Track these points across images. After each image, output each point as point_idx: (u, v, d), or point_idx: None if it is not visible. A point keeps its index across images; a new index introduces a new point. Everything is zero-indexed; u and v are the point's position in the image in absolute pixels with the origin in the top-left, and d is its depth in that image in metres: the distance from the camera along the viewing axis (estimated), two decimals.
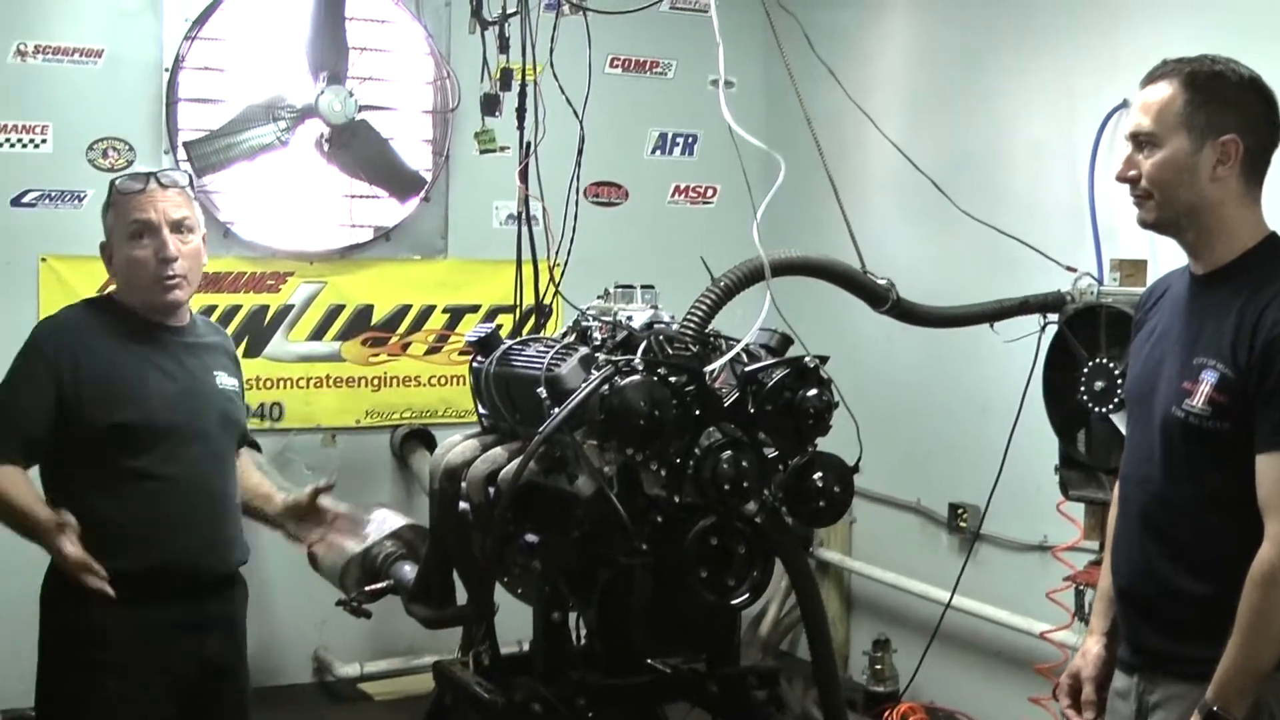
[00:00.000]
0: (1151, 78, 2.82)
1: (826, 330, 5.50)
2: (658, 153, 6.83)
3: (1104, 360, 3.78)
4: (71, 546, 3.23)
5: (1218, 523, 2.70)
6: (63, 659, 3.48)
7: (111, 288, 3.72)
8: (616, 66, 6.65)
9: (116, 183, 3.61)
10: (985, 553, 5.48)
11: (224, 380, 3.70)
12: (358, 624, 5.68)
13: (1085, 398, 3.82)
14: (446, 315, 6.42)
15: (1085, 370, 3.84)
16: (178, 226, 3.55)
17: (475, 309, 6.41)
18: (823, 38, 4.65)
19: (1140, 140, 2.80)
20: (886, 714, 5.50)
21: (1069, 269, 4.09)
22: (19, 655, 3.86)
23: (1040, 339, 4.01)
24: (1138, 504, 2.89)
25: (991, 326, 3.96)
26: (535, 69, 4.38)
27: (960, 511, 5.61)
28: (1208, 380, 2.69)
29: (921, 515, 5.98)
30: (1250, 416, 2.63)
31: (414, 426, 6.33)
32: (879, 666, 5.83)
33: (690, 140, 6.79)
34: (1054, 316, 4.01)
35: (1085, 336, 3.91)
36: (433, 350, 6.41)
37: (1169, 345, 2.85)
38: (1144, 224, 2.86)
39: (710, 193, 6.82)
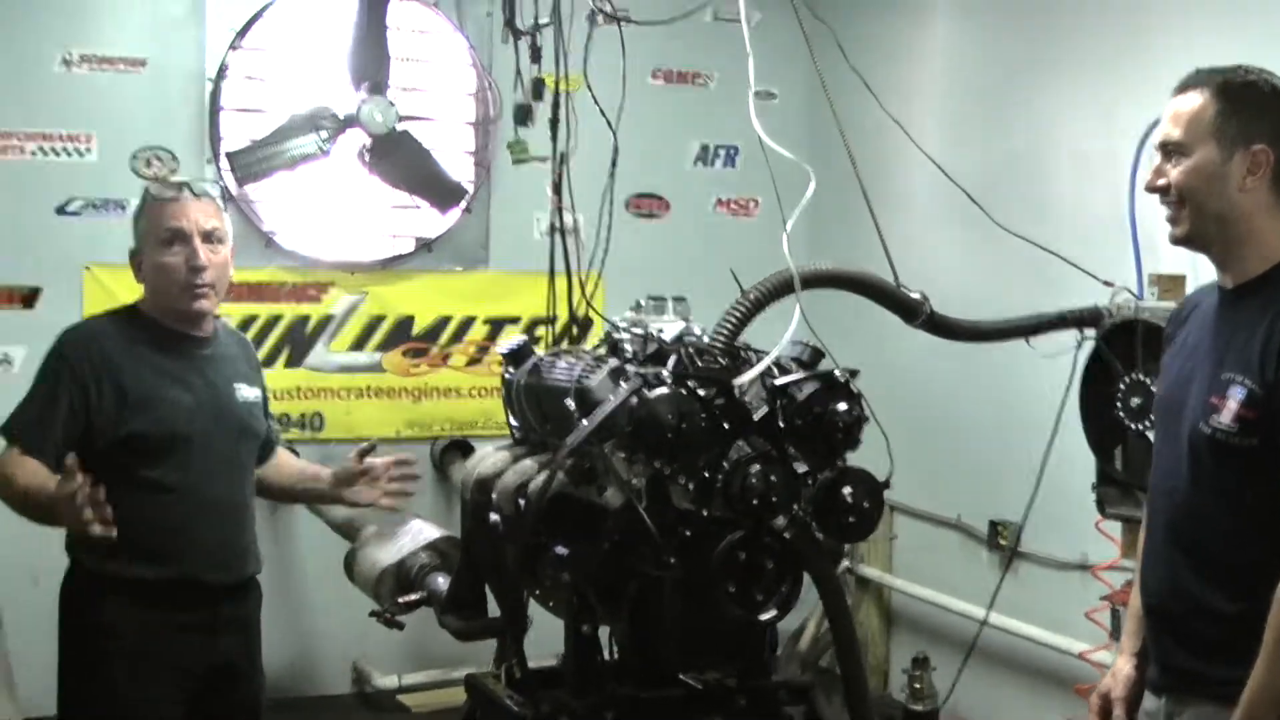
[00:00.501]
0: (1183, 87, 2.81)
1: (863, 344, 5.48)
2: (699, 164, 6.83)
3: (1141, 376, 3.74)
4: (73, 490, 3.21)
5: (1247, 538, 2.66)
6: (77, 658, 3.55)
7: (136, 297, 3.74)
8: (659, 78, 6.66)
9: (149, 189, 3.67)
10: (1025, 570, 5.44)
11: (244, 392, 3.74)
12: (396, 635, 5.70)
13: (1122, 414, 3.79)
14: (487, 327, 6.43)
15: (1122, 386, 3.80)
16: (209, 236, 3.59)
17: (516, 320, 6.41)
18: (862, 50, 4.64)
19: (1169, 149, 2.79)
20: None
21: (1106, 283, 4.05)
22: (51, 664, 3.90)
23: (1077, 354, 3.97)
24: (1165, 517, 2.86)
25: (1028, 341, 3.92)
26: (567, 82, 4.37)
27: (1000, 528, 5.57)
28: (1235, 396, 2.67)
29: (962, 532, 5.94)
30: (1278, 432, 2.61)
31: (454, 438, 6.33)
32: (918, 685, 5.78)
33: (732, 152, 6.79)
34: (1091, 332, 3.97)
35: (1122, 352, 3.87)
36: (473, 362, 6.42)
37: (1198, 360, 2.82)
38: (1175, 239, 2.85)
39: (752, 205, 6.81)
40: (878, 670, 6.50)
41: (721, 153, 6.76)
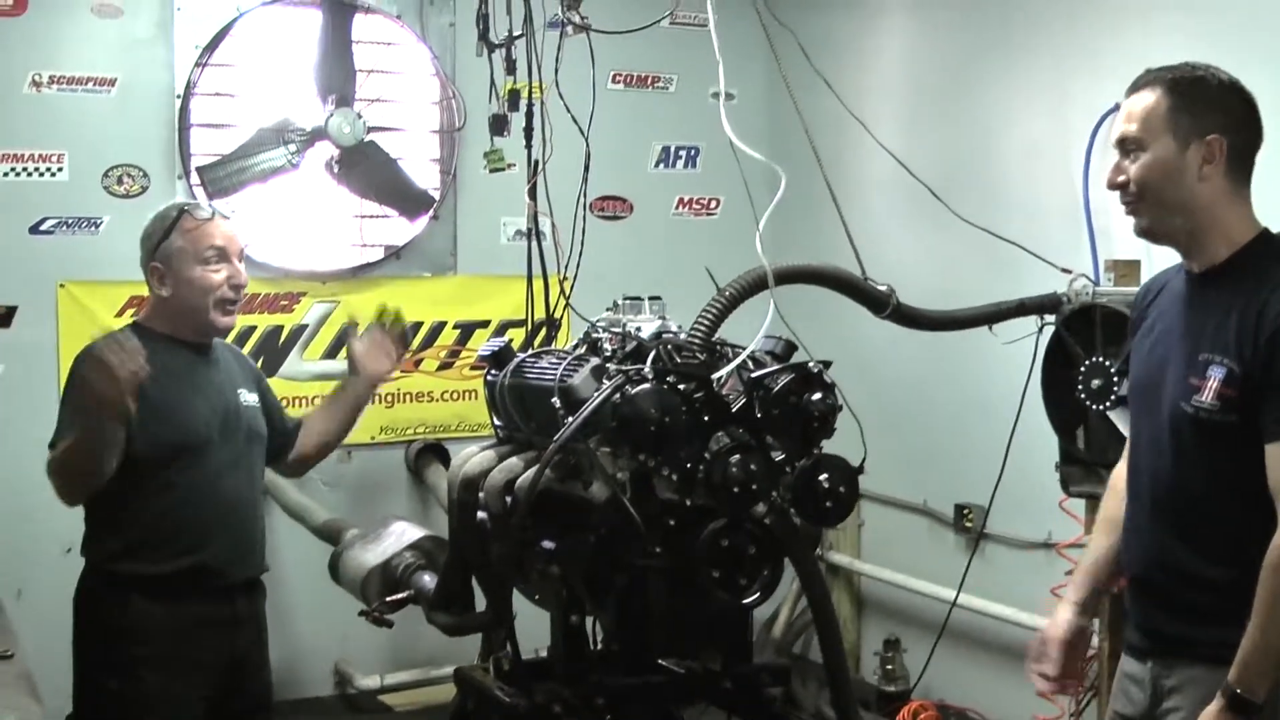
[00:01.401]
0: (1135, 86, 2.93)
1: (831, 336, 5.58)
2: (661, 166, 6.93)
3: (1100, 359, 3.88)
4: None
5: (1232, 510, 2.79)
6: (101, 657, 3.66)
7: (113, 311, 3.83)
8: (619, 82, 6.75)
9: (187, 208, 3.83)
10: (992, 551, 5.58)
11: (245, 397, 3.90)
12: (378, 636, 5.79)
13: (1083, 395, 3.93)
14: (457, 331, 6.49)
15: (1083, 369, 3.94)
16: (240, 256, 3.87)
17: (485, 324, 6.49)
18: (820, 48, 4.75)
19: (1128, 146, 2.90)
20: (899, 713, 5.58)
21: (1064, 270, 4.19)
22: (47, 673, 3.95)
23: (1038, 340, 4.11)
24: (1150, 495, 2.98)
25: (990, 329, 4.06)
26: (540, 88, 4.48)
27: (966, 511, 5.69)
28: (1215, 376, 2.78)
29: (928, 516, 6.07)
30: (1257, 408, 2.73)
31: (428, 441, 6.40)
32: (890, 666, 5.92)
33: (693, 153, 6.89)
34: (1051, 318, 4.11)
35: (1081, 336, 4.00)
36: (445, 366, 6.48)
37: (1172, 343, 2.95)
38: (1140, 232, 2.96)
39: (714, 204, 6.92)
40: (850, 654, 6.60)
41: (683, 154, 6.85)
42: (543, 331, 4.27)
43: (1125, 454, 3.15)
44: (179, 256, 3.74)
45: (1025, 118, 5.47)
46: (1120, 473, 3.18)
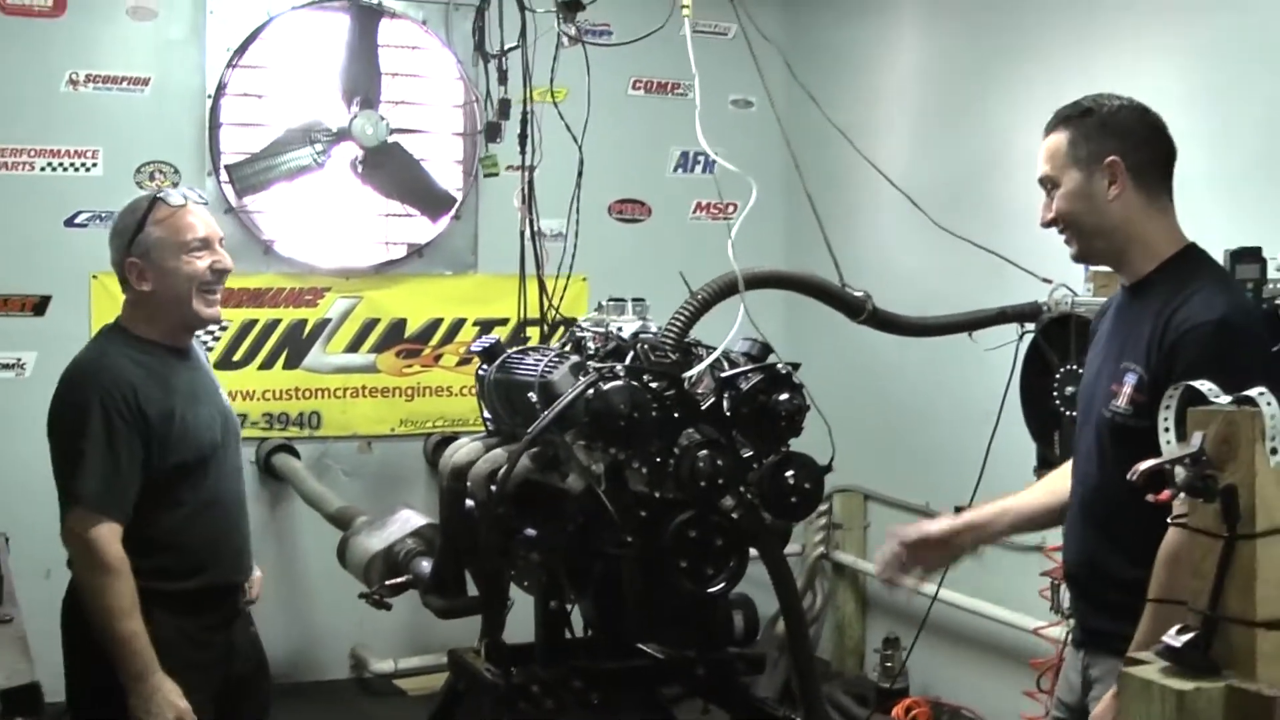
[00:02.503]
0: (1046, 130, 3.14)
1: (837, 343, 5.77)
2: (680, 170, 7.08)
3: (1074, 366, 4.00)
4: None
5: (1149, 513, 2.87)
6: (106, 670, 3.48)
7: (112, 319, 3.71)
8: (639, 88, 6.92)
9: (161, 197, 3.60)
10: (990, 553, 5.67)
11: (224, 398, 3.81)
12: (393, 623, 5.97)
13: (1058, 402, 4.04)
14: (477, 328, 6.65)
15: (1058, 376, 4.05)
16: (221, 241, 3.66)
17: (504, 322, 6.61)
18: (824, 59, 4.86)
19: (1045, 185, 3.11)
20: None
21: (1045, 280, 4.29)
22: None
23: (1018, 347, 4.22)
24: (1079, 497, 3.15)
25: (970, 335, 4.17)
26: (530, 101, 4.61)
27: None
28: (1129, 382, 2.95)
29: (930, 518, 6.15)
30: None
31: (445, 434, 6.54)
32: (889, 664, 6.04)
33: (711, 158, 7.01)
34: (1032, 326, 4.22)
35: (1059, 344, 4.12)
36: (464, 361, 6.64)
37: (1104, 353, 3.13)
38: (1074, 259, 3.18)
39: (731, 208, 7.05)
40: (854, 652, 6.74)
41: (701, 159, 6.99)
42: (538, 330, 4.39)
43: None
44: (159, 247, 3.52)
45: (1023, 130, 5.56)
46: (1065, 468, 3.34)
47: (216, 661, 3.74)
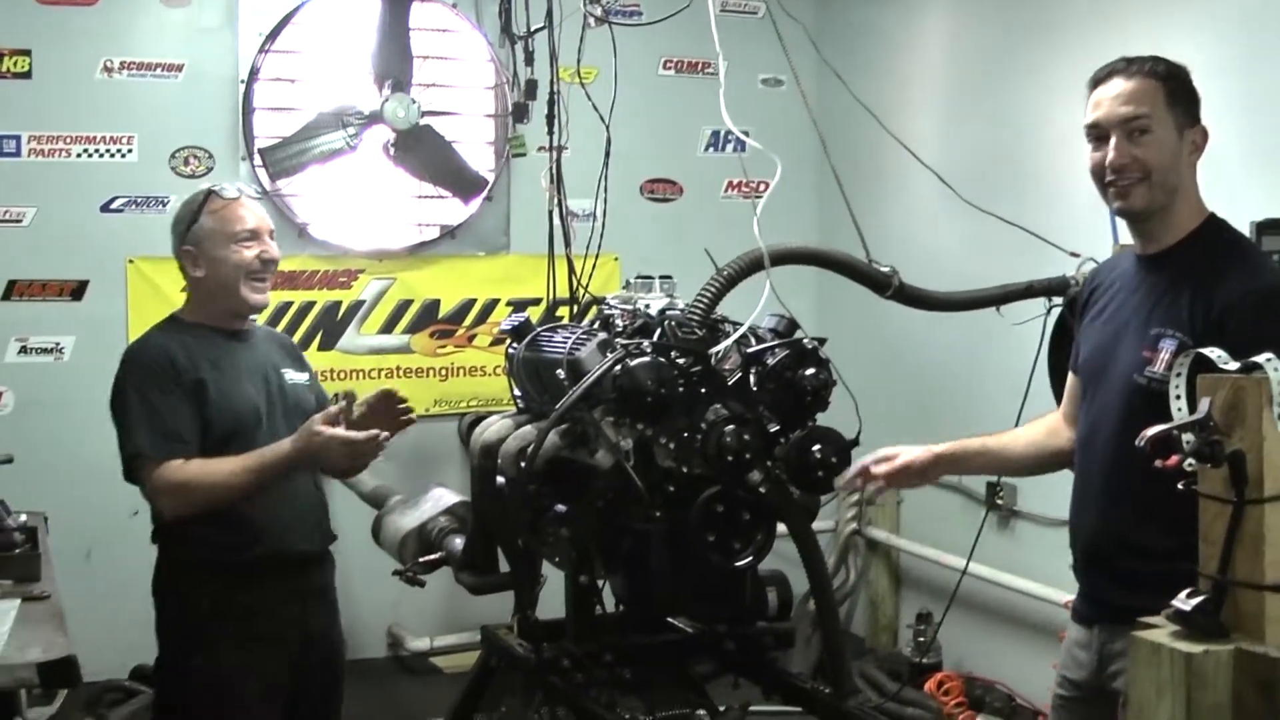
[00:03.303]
0: (1116, 73, 3.04)
1: (867, 318, 5.79)
2: (710, 149, 7.10)
3: None
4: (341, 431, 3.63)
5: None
6: (185, 638, 3.74)
7: (178, 288, 3.95)
8: (670, 68, 6.94)
9: (216, 190, 3.86)
10: (1021, 528, 5.71)
11: (292, 376, 3.97)
12: (428, 601, 6.03)
13: None
14: (510, 309, 6.65)
15: None
16: (271, 234, 3.90)
17: (538, 302, 6.63)
18: (852, 37, 4.86)
19: (1134, 128, 3.00)
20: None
21: (1073, 254, 4.29)
22: (114, 630, 4.20)
23: (1045, 321, 4.22)
24: (1095, 467, 3.14)
25: (998, 310, 4.17)
26: (580, 77, 4.64)
27: (997, 489, 5.82)
28: (1167, 348, 2.93)
29: (962, 494, 6.20)
30: None
31: (480, 413, 6.56)
32: (921, 639, 6.06)
33: (741, 138, 7.02)
34: (1059, 300, 4.22)
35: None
36: (497, 341, 6.63)
37: (1123, 322, 3.11)
38: (1127, 210, 3.08)
39: (761, 187, 7.06)
40: (888, 628, 6.77)
41: (732, 138, 7.00)
42: (569, 309, 4.43)
43: (1062, 410, 3.40)
44: (210, 238, 3.78)
45: (1056, 109, 5.57)
46: (1057, 422, 3.42)
47: (288, 638, 3.85)
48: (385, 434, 3.68)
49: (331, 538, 4.14)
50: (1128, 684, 2.02)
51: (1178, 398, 2.04)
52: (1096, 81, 3.10)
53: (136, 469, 3.68)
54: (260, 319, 6.15)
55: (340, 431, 3.61)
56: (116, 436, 3.71)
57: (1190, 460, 1.99)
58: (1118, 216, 3.18)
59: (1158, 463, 2.13)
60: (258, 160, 6.23)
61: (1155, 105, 2.98)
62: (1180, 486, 2.21)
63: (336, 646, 4.15)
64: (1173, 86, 3.00)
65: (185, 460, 3.64)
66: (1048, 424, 3.49)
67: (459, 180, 6.56)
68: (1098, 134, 3.08)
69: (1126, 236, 4.65)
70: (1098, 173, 3.09)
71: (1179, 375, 2.10)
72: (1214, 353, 2.03)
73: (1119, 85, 3.03)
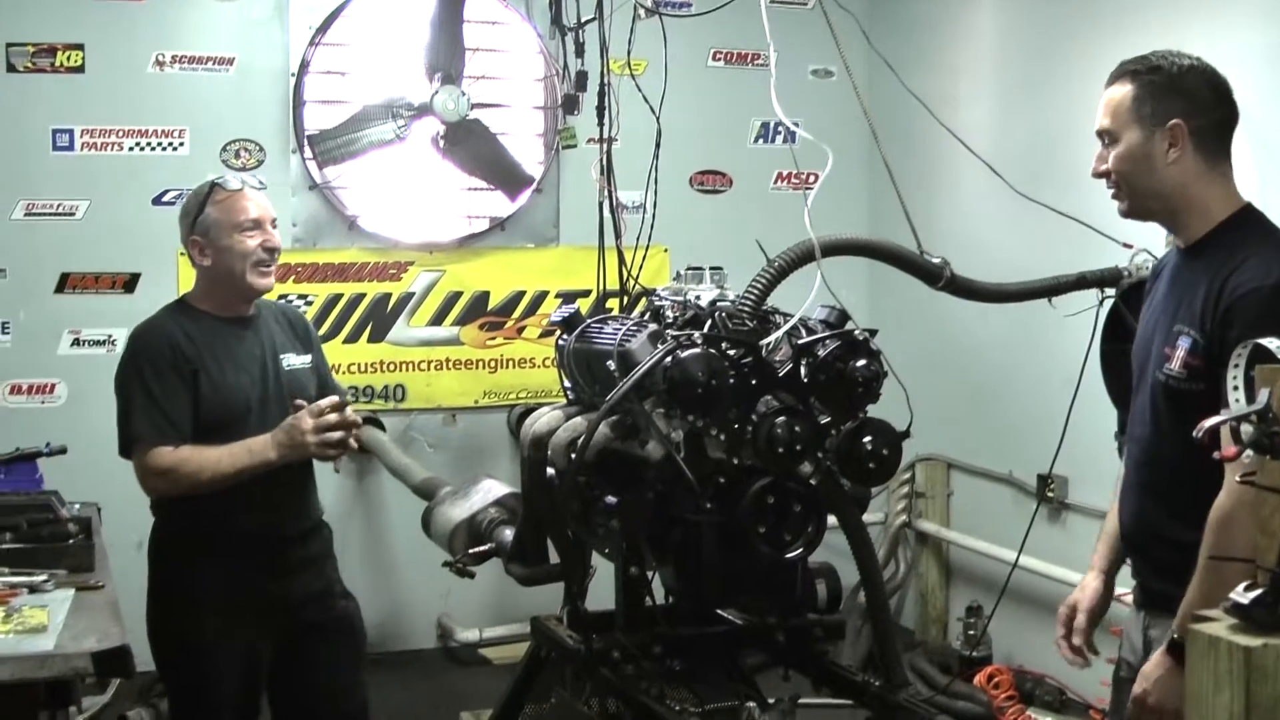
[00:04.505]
0: (1109, 80, 3.09)
1: (919, 310, 5.77)
2: (760, 141, 7.08)
3: None
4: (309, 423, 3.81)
5: (1200, 476, 2.85)
6: (167, 606, 3.93)
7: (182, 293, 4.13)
8: (719, 59, 6.93)
9: (219, 182, 4.00)
10: (1072, 520, 5.68)
11: (291, 360, 4.09)
12: (478, 593, 6.04)
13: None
14: (559, 300, 6.65)
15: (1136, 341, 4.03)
16: (273, 223, 4.03)
17: (587, 294, 6.64)
18: (903, 28, 4.83)
19: (1104, 138, 3.09)
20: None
21: (1125, 245, 4.26)
22: None
23: (1098, 313, 4.19)
24: (1135, 460, 3.17)
25: (1050, 301, 4.15)
26: (630, 68, 4.65)
27: (1049, 482, 5.78)
28: (1183, 346, 2.96)
29: (1013, 487, 6.17)
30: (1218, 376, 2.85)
31: (529, 405, 6.56)
32: (972, 632, 6.04)
33: (791, 129, 7.02)
34: (1112, 291, 4.19)
35: (1140, 309, 4.08)
36: (547, 333, 6.65)
37: (1158, 315, 3.13)
38: (1122, 214, 3.16)
39: (812, 179, 7.04)
40: (938, 620, 6.74)
41: (782, 129, 6.97)
42: (620, 300, 4.43)
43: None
44: (215, 227, 3.93)
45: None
46: None
47: (269, 606, 3.95)
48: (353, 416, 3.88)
49: (319, 512, 4.22)
50: (1188, 678, 2.00)
51: (1235, 388, 2.02)
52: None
53: (129, 448, 3.87)
54: (310, 312, 6.24)
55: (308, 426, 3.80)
56: (116, 413, 3.89)
57: (1249, 452, 1.96)
58: None
59: (1215, 455, 2.11)
60: (308, 153, 6.25)
61: (1120, 112, 3.04)
62: (1237, 480, 2.19)
63: (337, 607, 4.19)
64: (1143, 85, 3.02)
65: (175, 447, 3.80)
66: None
67: (506, 176, 6.57)
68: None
69: None
70: None
71: (1236, 366, 2.08)
72: (1274, 343, 2.01)
73: (1103, 96, 3.10)
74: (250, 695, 4.00)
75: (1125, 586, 3.70)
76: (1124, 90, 3.03)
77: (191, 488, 3.81)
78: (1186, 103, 3.00)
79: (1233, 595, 1.94)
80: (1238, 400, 2.01)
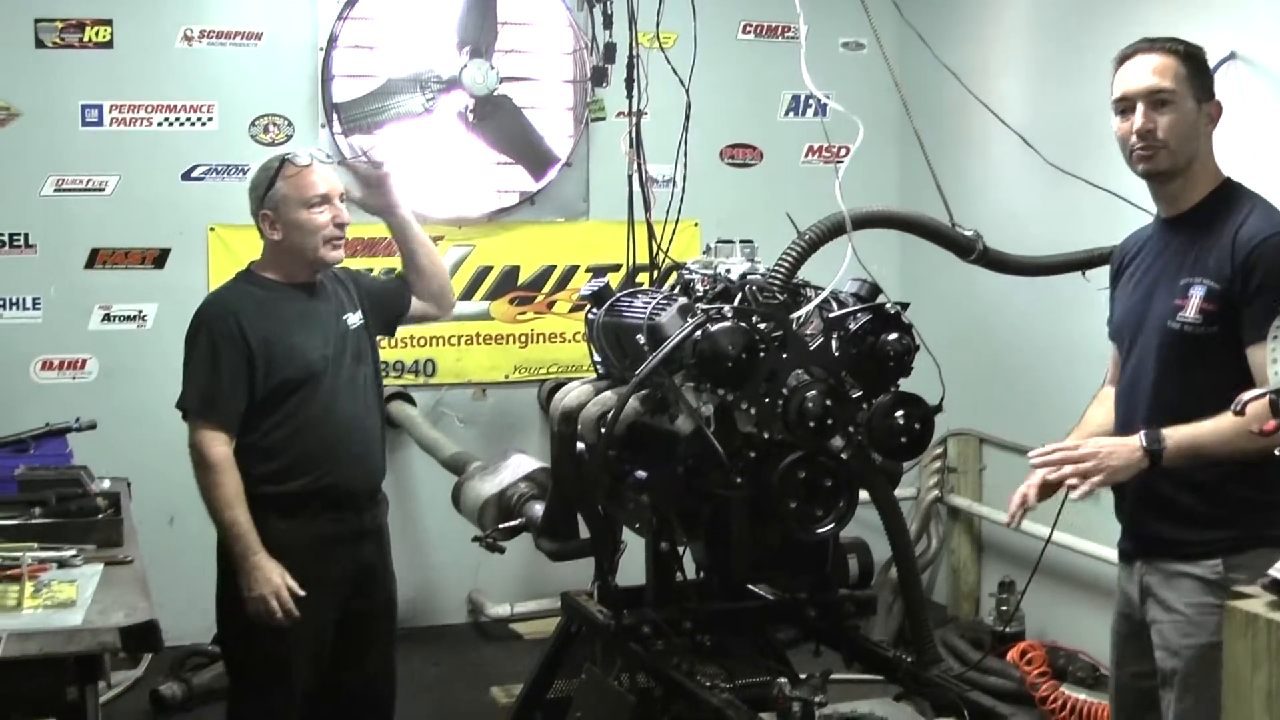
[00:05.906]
0: (1140, 51, 3.26)
1: (952, 284, 5.73)
2: (791, 114, 7.03)
3: None
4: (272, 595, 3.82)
5: (1208, 414, 2.99)
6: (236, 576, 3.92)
7: (252, 258, 4.16)
8: (749, 32, 6.88)
9: (289, 158, 4.06)
10: (1105, 496, 5.60)
11: (351, 320, 4.14)
12: (508, 567, 6.04)
13: None
14: (589, 275, 6.62)
15: None
16: (341, 197, 4.09)
17: (617, 268, 6.61)
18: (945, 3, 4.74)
19: (1157, 100, 3.19)
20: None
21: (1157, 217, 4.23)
22: (197, 595, 4.24)
23: None
24: (1141, 415, 3.21)
25: (1083, 274, 4.12)
26: (659, 41, 4.62)
27: None
28: (1197, 294, 3.13)
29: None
30: (1236, 320, 3.05)
31: (559, 380, 6.55)
32: (1004, 608, 6.00)
33: (823, 102, 6.97)
34: None
35: None
36: (577, 308, 6.65)
37: (1154, 279, 3.28)
38: (1151, 172, 3.26)
39: (843, 152, 6.99)
40: (970, 596, 6.70)
41: (813, 102, 6.91)
42: (649, 274, 4.41)
43: (1109, 379, 3.52)
44: (285, 202, 3.99)
45: None
46: (1108, 390, 3.53)
47: (339, 578, 4.01)
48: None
49: (382, 476, 4.25)
50: (1225, 656, 1.98)
51: (1275, 360, 2.01)
52: (1122, 59, 3.31)
53: (184, 415, 3.97)
54: None
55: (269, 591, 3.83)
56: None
57: None
58: (1143, 179, 3.34)
59: (1254, 429, 2.13)
60: (337, 127, 6.24)
61: (1176, 80, 3.21)
62: (1278, 454, 2.21)
63: (389, 586, 4.26)
64: (1191, 64, 3.23)
65: (229, 440, 3.89)
66: (1102, 400, 3.60)
67: (532, 154, 6.53)
68: (1124, 106, 3.29)
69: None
70: (1124, 140, 3.29)
71: (1275, 338, 2.07)
72: None
73: (1144, 61, 3.25)
74: (317, 675, 4.02)
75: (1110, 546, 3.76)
76: (1173, 61, 3.21)
77: (201, 487, 3.90)
78: (1212, 87, 3.26)
79: (1272, 571, 1.92)
80: (1276, 374, 1.99)
